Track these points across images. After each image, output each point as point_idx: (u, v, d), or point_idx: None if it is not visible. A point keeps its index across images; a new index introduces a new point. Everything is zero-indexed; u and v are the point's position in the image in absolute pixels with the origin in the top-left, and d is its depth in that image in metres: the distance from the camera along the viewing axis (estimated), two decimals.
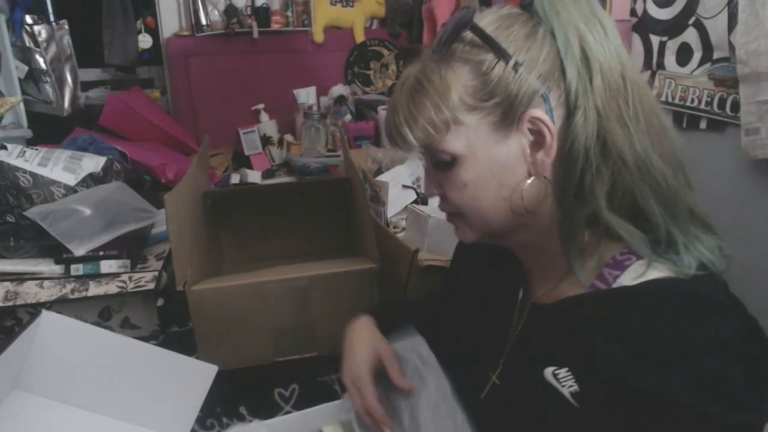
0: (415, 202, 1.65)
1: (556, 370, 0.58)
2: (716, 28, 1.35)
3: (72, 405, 0.99)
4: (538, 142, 0.58)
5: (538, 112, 0.56)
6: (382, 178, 1.71)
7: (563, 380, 0.57)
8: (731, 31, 1.29)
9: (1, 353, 0.88)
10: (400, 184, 1.71)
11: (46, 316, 0.98)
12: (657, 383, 0.50)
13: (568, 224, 0.59)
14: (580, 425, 0.55)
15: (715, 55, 1.37)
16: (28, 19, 2.07)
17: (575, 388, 0.55)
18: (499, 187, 0.59)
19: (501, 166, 0.59)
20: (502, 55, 0.57)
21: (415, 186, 1.72)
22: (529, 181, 0.59)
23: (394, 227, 1.58)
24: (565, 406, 0.56)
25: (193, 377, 0.96)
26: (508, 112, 0.57)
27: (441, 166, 0.61)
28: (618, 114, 0.56)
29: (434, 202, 1.70)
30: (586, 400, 0.55)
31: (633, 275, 0.56)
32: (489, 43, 0.57)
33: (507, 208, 0.60)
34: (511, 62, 0.56)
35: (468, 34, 0.59)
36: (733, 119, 1.33)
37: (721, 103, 1.35)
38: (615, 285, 0.56)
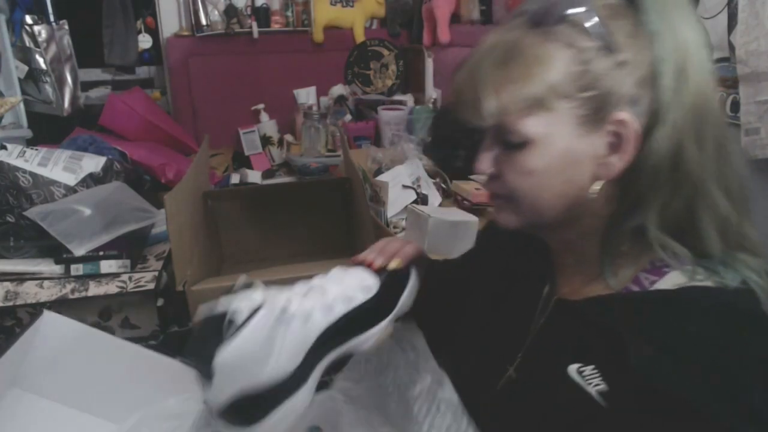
0: (415, 202, 1.65)
1: (581, 367, 0.56)
2: (716, 28, 1.35)
3: (69, 406, 0.99)
4: (615, 144, 0.55)
5: (627, 116, 0.54)
6: (382, 178, 1.71)
7: (589, 378, 0.55)
8: (731, 31, 1.29)
9: (3, 353, 0.89)
10: (400, 184, 1.71)
11: (48, 317, 0.98)
12: (690, 389, 0.48)
13: (613, 232, 0.58)
14: (604, 425, 0.53)
15: (715, 55, 1.37)
16: (28, 19, 2.07)
17: (603, 386, 0.54)
18: (564, 182, 0.57)
19: (573, 162, 0.56)
20: (609, 48, 0.53)
21: (415, 186, 1.72)
22: (598, 185, 0.56)
23: (394, 227, 1.58)
24: (589, 404, 0.54)
25: (191, 385, 0.96)
26: (599, 108, 0.54)
27: (508, 147, 0.57)
28: (696, 136, 0.54)
29: (434, 201, 1.71)
30: (614, 399, 0.53)
31: (672, 282, 0.54)
32: (600, 32, 0.53)
33: (564, 205, 0.58)
34: (617, 58, 0.53)
35: (578, 16, 0.54)
36: (733, 119, 1.32)
37: (721, 103, 1.35)
38: (652, 289, 0.55)
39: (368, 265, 0.72)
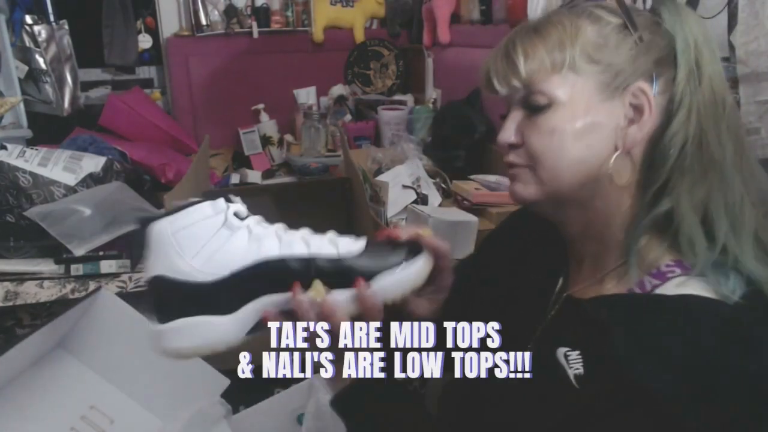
0: (415, 202, 1.65)
1: (568, 351, 0.58)
2: (716, 28, 1.35)
3: (107, 380, 1.07)
4: (634, 117, 0.60)
5: (645, 86, 0.59)
6: (382, 178, 1.71)
7: (572, 362, 0.57)
8: (731, 31, 1.29)
9: (58, 317, 0.96)
10: (400, 184, 1.71)
11: (104, 294, 1.05)
12: (667, 389, 0.50)
13: (642, 217, 0.60)
14: (574, 407, 0.55)
15: None
16: (28, 19, 2.07)
17: (581, 371, 0.56)
18: (585, 147, 0.60)
19: (594, 127, 0.59)
20: (631, 24, 0.59)
21: (415, 186, 1.72)
22: (616, 155, 0.60)
23: (394, 227, 1.58)
24: (565, 385, 0.56)
25: (206, 383, 1.03)
26: (618, 76, 0.59)
27: (533, 109, 0.61)
28: (716, 125, 0.59)
29: (434, 201, 1.71)
30: (587, 383, 0.55)
31: (674, 288, 0.56)
32: (623, 9, 0.60)
33: (584, 173, 0.60)
34: (636, 35, 0.59)
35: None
36: None
37: None
38: (653, 293, 0.57)
39: (392, 236, 0.69)
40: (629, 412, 0.52)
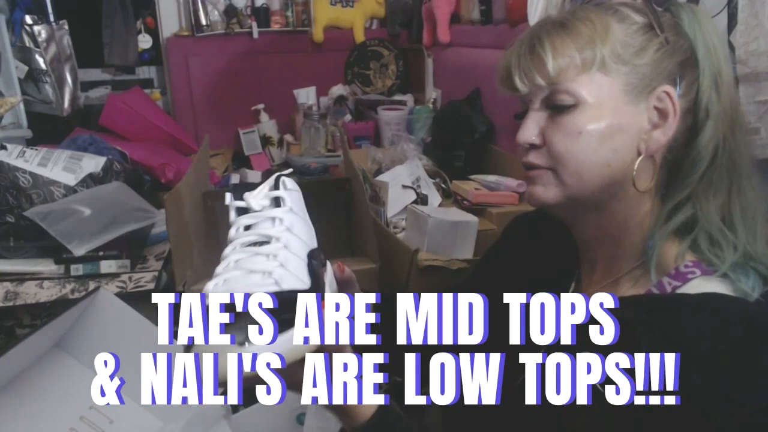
0: (415, 202, 1.65)
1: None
2: None
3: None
4: (659, 121, 0.59)
5: (670, 89, 0.58)
6: (382, 178, 1.71)
7: None
8: (731, 31, 1.29)
9: (57, 317, 0.96)
10: (400, 184, 1.71)
11: (103, 294, 1.05)
12: (693, 388, 0.50)
13: (662, 221, 0.60)
14: (604, 410, 0.54)
15: None
16: (28, 19, 2.07)
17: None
18: (610, 150, 0.58)
19: (619, 129, 0.58)
20: (658, 25, 0.58)
21: (415, 186, 1.72)
22: (640, 158, 0.59)
23: (394, 227, 1.58)
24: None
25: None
26: (644, 78, 0.58)
27: (557, 109, 0.59)
28: (735, 131, 0.59)
29: (434, 201, 1.71)
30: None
31: (695, 288, 0.56)
32: (651, 8, 0.59)
33: (607, 176, 0.59)
34: (662, 37, 0.58)
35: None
36: None
37: None
38: (675, 293, 0.57)
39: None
40: (657, 412, 0.51)
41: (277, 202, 0.60)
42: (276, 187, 0.60)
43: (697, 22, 0.60)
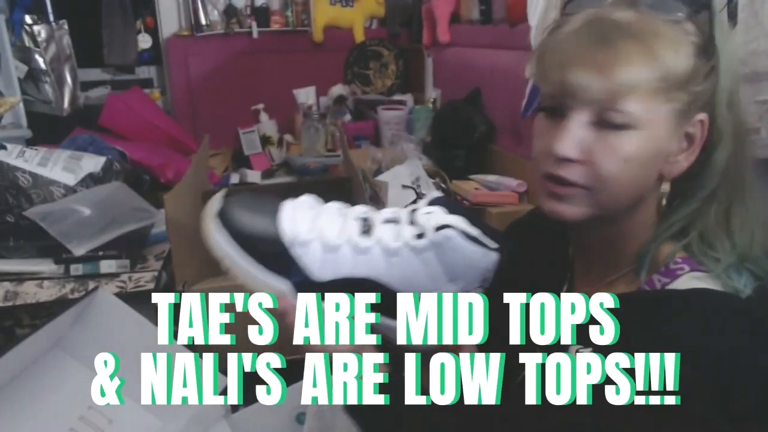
0: (415, 202, 1.65)
1: (581, 348, 0.57)
2: None
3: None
4: (686, 146, 0.57)
5: (706, 118, 0.56)
6: (381, 178, 1.71)
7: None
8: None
9: (56, 317, 0.96)
10: (399, 184, 1.71)
11: (102, 294, 1.05)
12: (685, 387, 0.49)
13: (664, 230, 0.59)
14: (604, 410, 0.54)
15: None
16: (28, 19, 2.07)
17: None
18: (646, 175, 0.56)
19: (660, 155, 0.56)
20: (711, 50, 0.54)
21: (414, 186, 1.72)
22: (665, 182, 0.59)
23: None
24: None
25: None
26: (690, 105, 0.55)
27: (607, 126, 0.54)
28: (744, 144, 0.59)
29: None
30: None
31: (684, 284, 0.56)
32: (706, 34, 0.54)
33: (636, 198, 0.58)
34: (712, 62, 0.54)
35: (683, 14, 0.54)
36: None
37: None
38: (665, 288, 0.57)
39: None
40: (650, 408, 0.51)
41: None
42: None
43: (727, 39, 0.56)
